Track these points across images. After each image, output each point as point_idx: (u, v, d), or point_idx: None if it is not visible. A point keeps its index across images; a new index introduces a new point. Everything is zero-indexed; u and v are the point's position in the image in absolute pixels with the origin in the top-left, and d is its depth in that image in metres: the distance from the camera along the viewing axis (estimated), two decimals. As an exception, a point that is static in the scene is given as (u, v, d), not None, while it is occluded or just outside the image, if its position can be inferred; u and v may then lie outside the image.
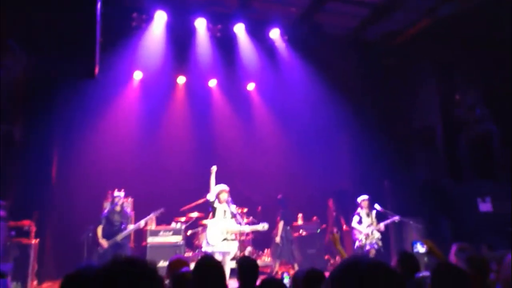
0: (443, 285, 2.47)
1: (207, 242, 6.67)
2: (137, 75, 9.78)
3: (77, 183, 8.62)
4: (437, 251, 3.07)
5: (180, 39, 9.05)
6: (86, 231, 7.13)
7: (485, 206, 7.19)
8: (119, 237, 6.86)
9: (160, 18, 8.40)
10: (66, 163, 8.61)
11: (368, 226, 7.79)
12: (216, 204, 6.73)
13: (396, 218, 7.60)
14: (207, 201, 7.04)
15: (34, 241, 6.91)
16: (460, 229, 7.18)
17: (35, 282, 6.88)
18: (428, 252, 3.07)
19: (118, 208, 7.06)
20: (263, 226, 6.82)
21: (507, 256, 2.19)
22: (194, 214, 8.88)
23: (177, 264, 3.37)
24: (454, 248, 3.97)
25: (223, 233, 6.71)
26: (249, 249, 8.89)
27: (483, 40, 7.43)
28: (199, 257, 3.11)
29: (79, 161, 8.78)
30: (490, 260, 3.23)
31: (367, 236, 7.76)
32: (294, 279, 3.38)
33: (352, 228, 8.05)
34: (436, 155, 8.34)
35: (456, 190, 7.33)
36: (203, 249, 6.72)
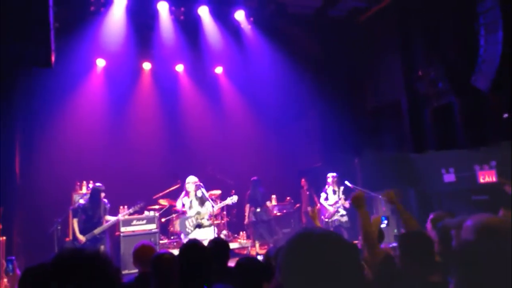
0: (409, 252, 2.51)
1: (184, 234, 6.75)
2: (100, 62, 9.47)
3: (42, 175, 8.36)
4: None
5: (142, 24, 8.79)
6: (55, 224, 6.96)
7: (449, 177, 7.43)
8: (97, 230, 6.69)
9: (119, 2, 8.11)
10: (29, 156, 8.31)
11: (335, 203, 7.85)
12: (185, 201, 6.86)
13: None
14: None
15: (1, 239, 6.67)
16: (427, 199, 7.42)
17: (5, 280, 6.67)
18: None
19: (95, 201, 6.86)
20: (231, 199, 6.94)
21: (467, 221, 2.23)
22: (167, 202, 8.81)
23: (143, 250, 3.31)
24: (430, 217, 4.11)
25: (196, 219, 6.78)
26: (224, 233, 8.93)
27: (443, 17, 7.57)
28: (184, 243, 3.11)
29: (43, 153, 8.51)
30: (450, 227, 3.34)
31: (333, 213, 7.83)
32: (266, 256, 3.45)
33: (321, 205, 8.16)
34: (403, 129, 8.54)
35: (422, 162, 7.54)
36: (183, 241, 6.76)
